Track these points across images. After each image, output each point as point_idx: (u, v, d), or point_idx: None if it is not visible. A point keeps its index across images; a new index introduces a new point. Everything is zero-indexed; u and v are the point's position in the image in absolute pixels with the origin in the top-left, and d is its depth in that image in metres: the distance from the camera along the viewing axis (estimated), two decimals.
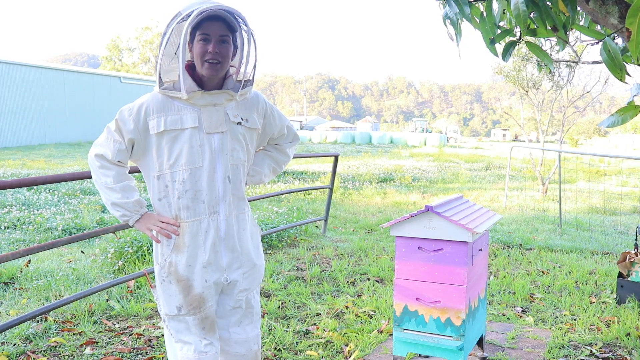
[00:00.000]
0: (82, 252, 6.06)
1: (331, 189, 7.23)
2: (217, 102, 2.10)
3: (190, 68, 2.10)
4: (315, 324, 3.98)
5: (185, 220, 2.11)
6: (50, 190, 10.13)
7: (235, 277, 2.20)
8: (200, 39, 2.03)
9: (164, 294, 2.19)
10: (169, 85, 2.08)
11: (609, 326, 3.99)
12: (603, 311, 4.30)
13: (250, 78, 2.16)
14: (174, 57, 2.09)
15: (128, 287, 4.59)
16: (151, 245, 5.28)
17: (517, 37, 2.65)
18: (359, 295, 4.67)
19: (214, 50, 2.02)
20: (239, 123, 2.14)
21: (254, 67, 2.15)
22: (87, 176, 3.74)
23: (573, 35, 8.80)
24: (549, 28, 2.39)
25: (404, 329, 2.99)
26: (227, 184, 2.13)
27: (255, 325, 2.32)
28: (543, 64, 3.25)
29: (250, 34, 2.09)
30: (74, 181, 10.58)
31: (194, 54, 2.07)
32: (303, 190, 7.99)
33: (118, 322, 3.96)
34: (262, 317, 3.94)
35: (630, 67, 2.45)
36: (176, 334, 2.23)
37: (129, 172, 2.20)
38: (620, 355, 3.50)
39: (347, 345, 3.58)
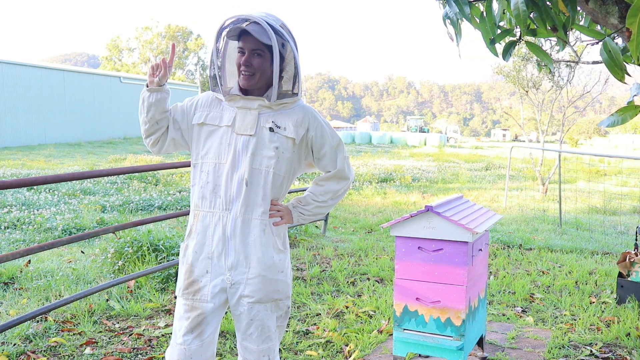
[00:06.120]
0: (82, 252, 6.06)
1: None
2: (251, 107, 2.22)
3: None
4: (315, 324, 3.98)
5: (201, 210, 2.23)
6: (50, 190, 10.13)
7: (238, 279, 2.21)
8: (238, 52, 2.21)
9: (179, 275, 2.32)
10: (219, 89, 2.27)
11: (609, 326, 3.99)
12: (603, 311, 4.30)
13: (296, 91, 2.28)
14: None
15: (128, 287, 4.59)
16: (151, 246, 5.29)
17: (517, 37, 2.65)
18: (359, 295, 4.67)
19: (245, 62, 2.18)
20: (271, 129, 2.22)
21: (296, 80, 2.28)
22: (87, 176, 3.75)
23: (573, 35, 8.79)
24: (549, 28, 2.39)
25: (404, 329, 2.99)
26: (243, 186, 2.18)
27: (270, 340, 2.28)
28: (543, 64, 3.25)
29: (285, 48, 2.20)
30: (74, 181, 10.58)
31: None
32: (303, 190, 7.98)
33: (118, 322, 3.96)
34: None
35: (630, 67, 2.44)
36: (175, 316, 2.32)
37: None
38: (620, 355, 3.50)
39: (347, 345, 3.58)
